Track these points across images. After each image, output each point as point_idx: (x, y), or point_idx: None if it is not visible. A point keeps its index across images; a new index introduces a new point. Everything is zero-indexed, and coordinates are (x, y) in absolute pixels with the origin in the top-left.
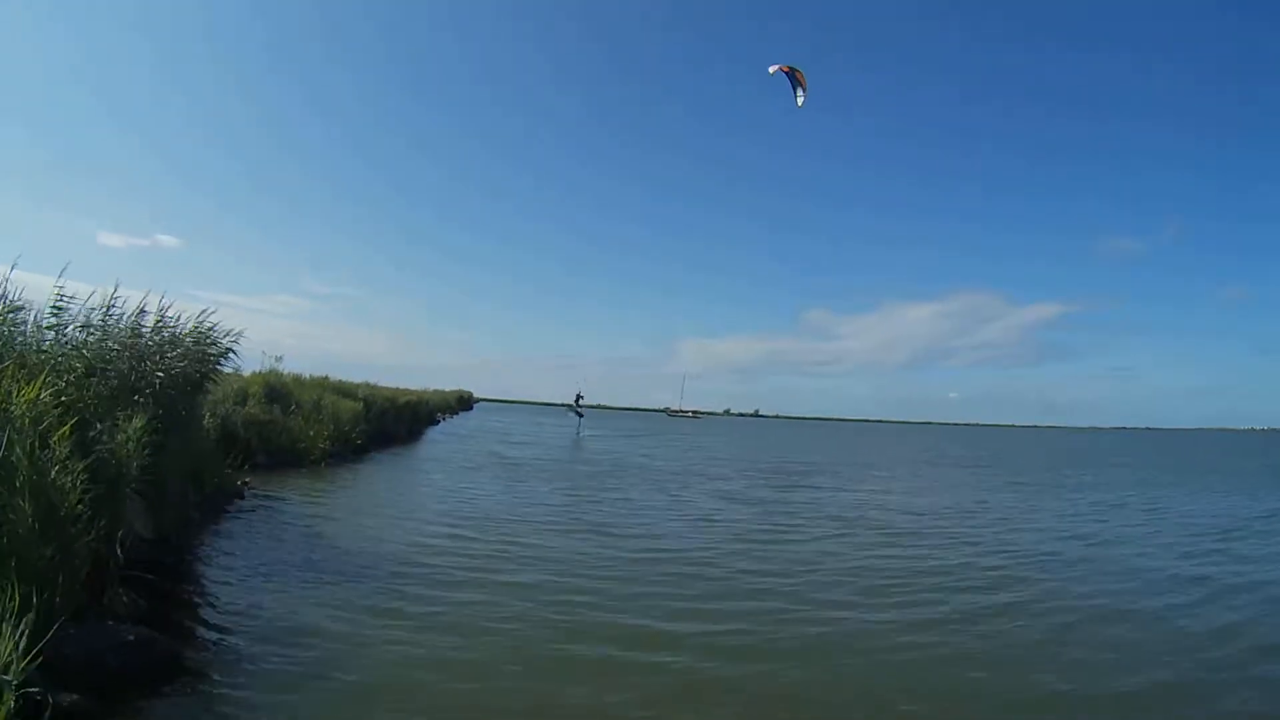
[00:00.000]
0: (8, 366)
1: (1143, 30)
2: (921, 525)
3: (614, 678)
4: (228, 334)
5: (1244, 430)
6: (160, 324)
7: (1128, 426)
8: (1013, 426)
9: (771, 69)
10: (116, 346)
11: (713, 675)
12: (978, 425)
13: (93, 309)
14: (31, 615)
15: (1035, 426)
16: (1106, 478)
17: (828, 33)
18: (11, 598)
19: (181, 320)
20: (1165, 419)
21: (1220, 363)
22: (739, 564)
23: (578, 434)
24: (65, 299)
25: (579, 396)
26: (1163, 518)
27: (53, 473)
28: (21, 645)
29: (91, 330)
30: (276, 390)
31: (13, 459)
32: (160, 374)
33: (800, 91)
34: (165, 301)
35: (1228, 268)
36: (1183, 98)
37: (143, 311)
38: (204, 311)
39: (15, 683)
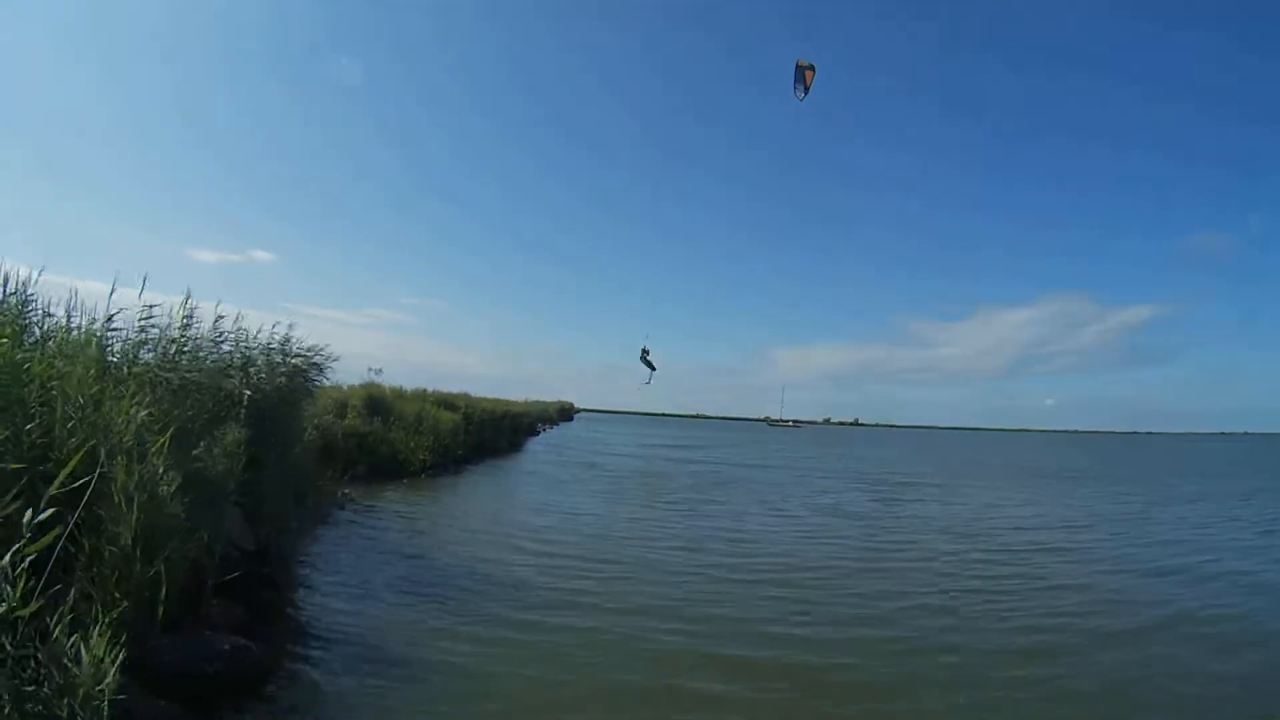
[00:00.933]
0: (107, 384)
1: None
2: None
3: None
4: (321, 350)
5: None
6: (255, 340)
7: (1227, 432)
8: (1111, 433)
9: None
10: (211, 362)
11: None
12: (1074, 432)
13: (185, 324)
14: (126, 628)
15: (1133, 433)
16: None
17: (924, 22)
18: (110, 610)
19: (274, 335)
20: (1264, 423)
21: None
22: (849, 584)
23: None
24: (156, 315)
25: (646, 350)
26: None
27: (150, 487)
28: (117, 657)
29: (184, 347)
30: (377, 402)
31: (112, 474)
32: (255, 389)
33: (801, 90)
34: (260, 316)
35: None
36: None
37: (238, 327)
38: (287, 325)
39: (109, 691)
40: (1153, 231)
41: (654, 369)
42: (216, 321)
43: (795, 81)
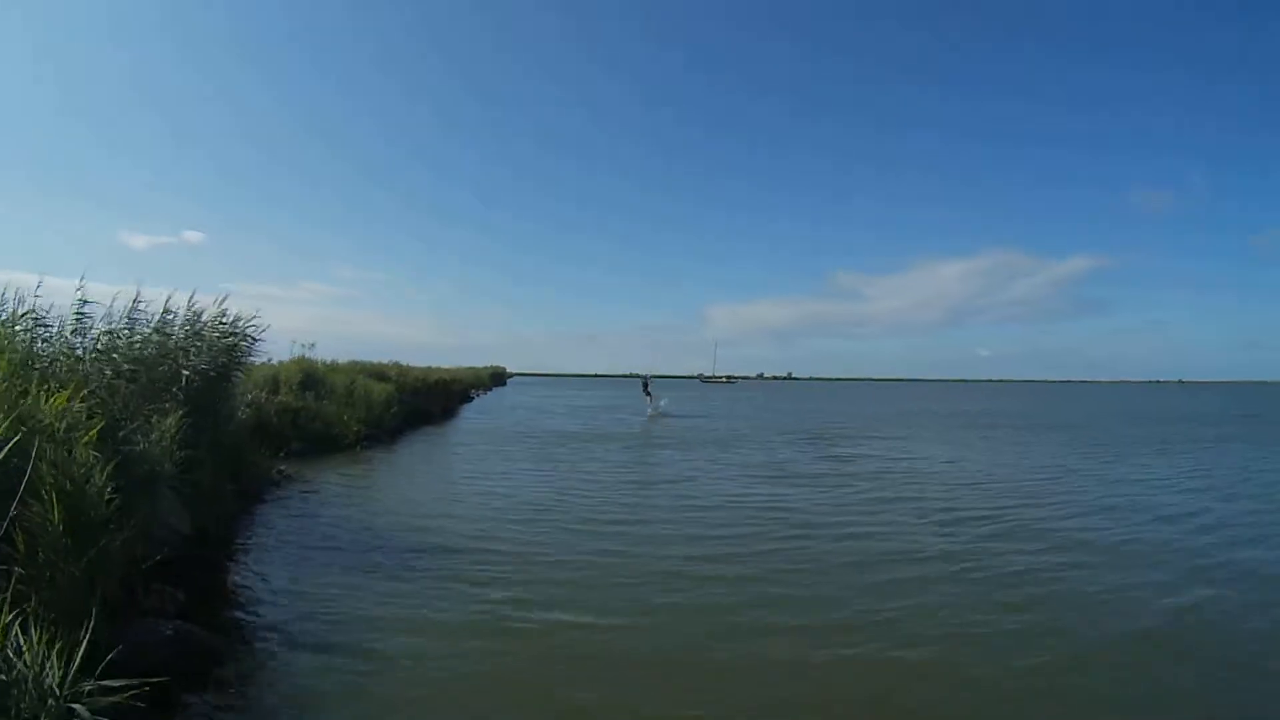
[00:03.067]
0: (35, 376)
1: None
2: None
3: (637, 681)
4: (249, 323)
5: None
6: (185, 320)
7: (1160, 380)
8: (1046, 382)
9: None
10: (142, 347)
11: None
12: (1009, 381)
13: (117, 311)
14: (64, 619)
15: (1068, 381)
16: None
17: None
18: (48, 607)
19: (204, 314)
20: (1199, 372)
21: (1255, 313)
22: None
23: (651, 412)
24: (88, 303)
25: (646, 381)
26: None
27: (78, 477)
28: (54, 648)
29: (115, 334)
30: (309, 377)
31: (40, 470)
32: (187, 370)
33: None
34: (191, 297)
35: (1261, 217)
36: (1209, 45)
37: (166, 310)
38: (221, 299)
39: (54, 682)
40: (1091, 186)
41: (651, 397)
42: (137, 304)
43: None
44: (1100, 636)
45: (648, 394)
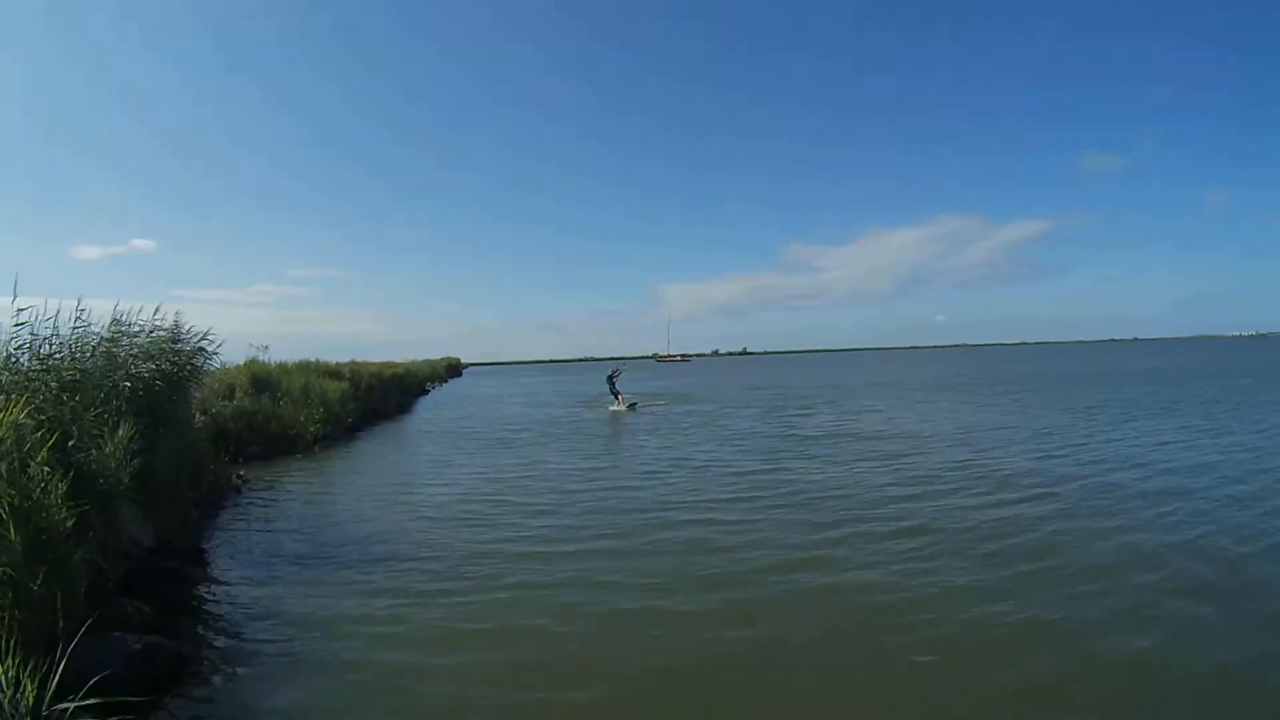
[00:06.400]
0: None
1: None
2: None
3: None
4: (196, 331)
5: (1230, 337)
6: (136, 330)
7: (1116, 339)
8: (1002, 345)
9: None
10: (93, 358)
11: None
12: (966, 346)
13: (64, 323)
14: (30, 640)
15: (1023, 344)
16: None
17: None
18: (10, 626)
19: (156, 322)
20: (1154, 329)
21: (1204, 270)
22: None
23: (615, 408)
24: (33, 317)
25: (613, 375)
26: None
27: (36, 494)
28: (25, 672)
29: (65, 346)
30: (263, 380)
31: None
32: (140, 380)
33: None
34: (141, 305)
35: (1210, 174)
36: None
37: (117, 321)
38: (156, 309)
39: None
40: (1042, 150)
41: (616, 394)
42: (81, 315)
43: None
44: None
45: (615, 392)
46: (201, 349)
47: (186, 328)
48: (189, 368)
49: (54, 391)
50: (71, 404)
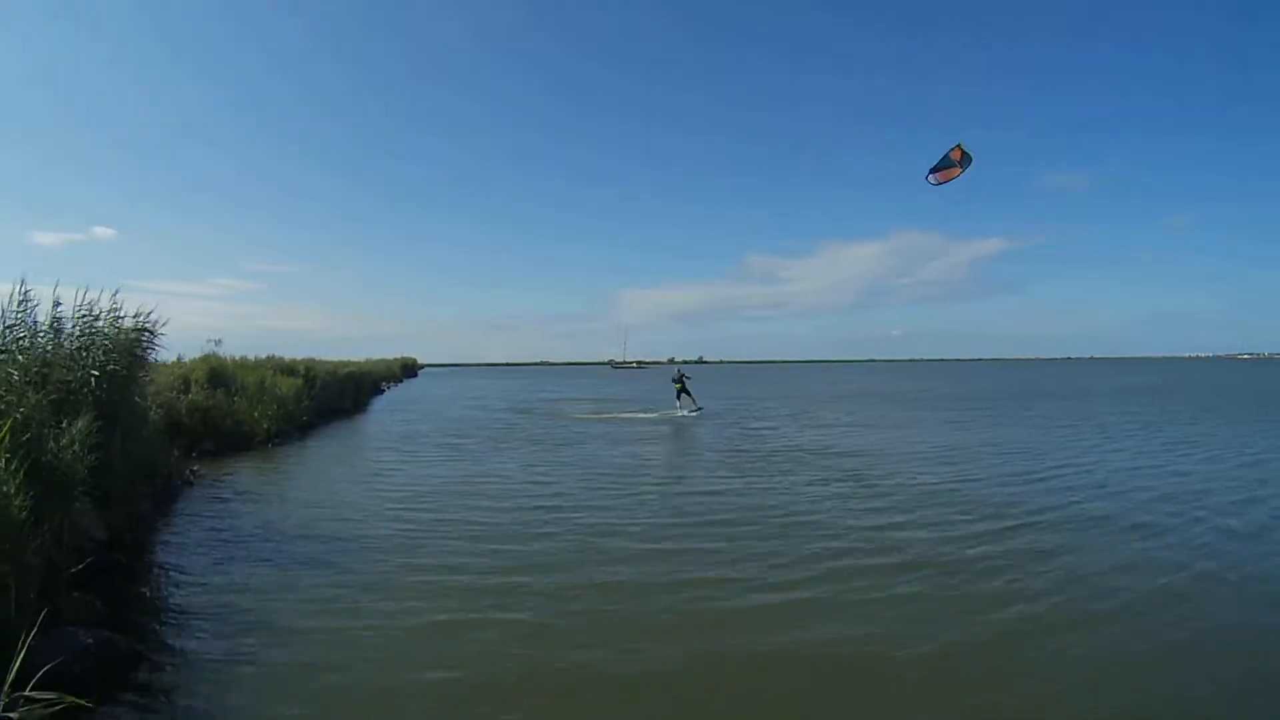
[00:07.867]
0: None
1: None
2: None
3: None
4: (147, 320)
5: (1188, 358)
6: (90, 320)
7: (1073, 357)
8: (958, 361)
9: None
10: (49, 349)
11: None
12: (921, 360)
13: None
14: None
15: (979, 360)
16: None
17: None
18: None
19: (108, 313)
20: (1114, 349)
21: (1166, 291)
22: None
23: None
24: None
25: (681, 379)
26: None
27: None
28: None
29: (20, 336)
30: (219, 374)
31: None
32: (95, 371)
33: (934, 177)
34: (98, 295)
35: (1172, 196)
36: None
37: (76, 310)
38: (114, 294)
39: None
40: (1005, 164)
41: (688, 394)
42: (26, 302)
43: (937, 168)
44: None
45: (687, 393)
46: (146, 329)
47: (133, 313)
48: (140, 355)
49: (14, 382)
50: (25, 392)
